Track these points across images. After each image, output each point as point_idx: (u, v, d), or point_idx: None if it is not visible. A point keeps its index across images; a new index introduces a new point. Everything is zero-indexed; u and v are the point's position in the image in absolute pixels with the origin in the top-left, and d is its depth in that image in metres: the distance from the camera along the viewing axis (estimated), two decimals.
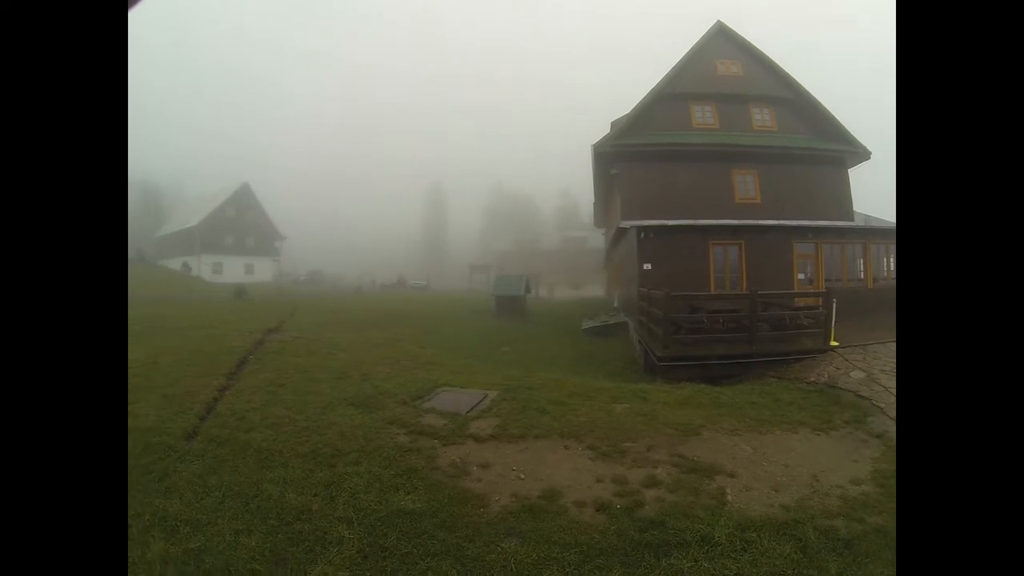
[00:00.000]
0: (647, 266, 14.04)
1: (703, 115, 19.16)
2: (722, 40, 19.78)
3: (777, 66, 19.73)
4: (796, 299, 13.50)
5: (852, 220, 19.44)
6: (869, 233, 17.51)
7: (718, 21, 19.87)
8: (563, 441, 5.87)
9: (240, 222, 55.98)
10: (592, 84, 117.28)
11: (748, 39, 19.86)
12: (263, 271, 54.73)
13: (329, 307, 23.56)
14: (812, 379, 9.07)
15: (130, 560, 3.53)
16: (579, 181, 33.06)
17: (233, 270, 50.86)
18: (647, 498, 4.48)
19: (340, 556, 3.60)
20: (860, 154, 19.66)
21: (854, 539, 3.93)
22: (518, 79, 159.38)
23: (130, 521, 4.04)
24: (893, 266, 17.61)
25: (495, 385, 8.50)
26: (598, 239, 42.96)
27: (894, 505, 4.49)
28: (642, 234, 14.30)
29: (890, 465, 5.42)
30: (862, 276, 16.60)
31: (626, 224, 15.34)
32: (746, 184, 18.52)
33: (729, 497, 4.57)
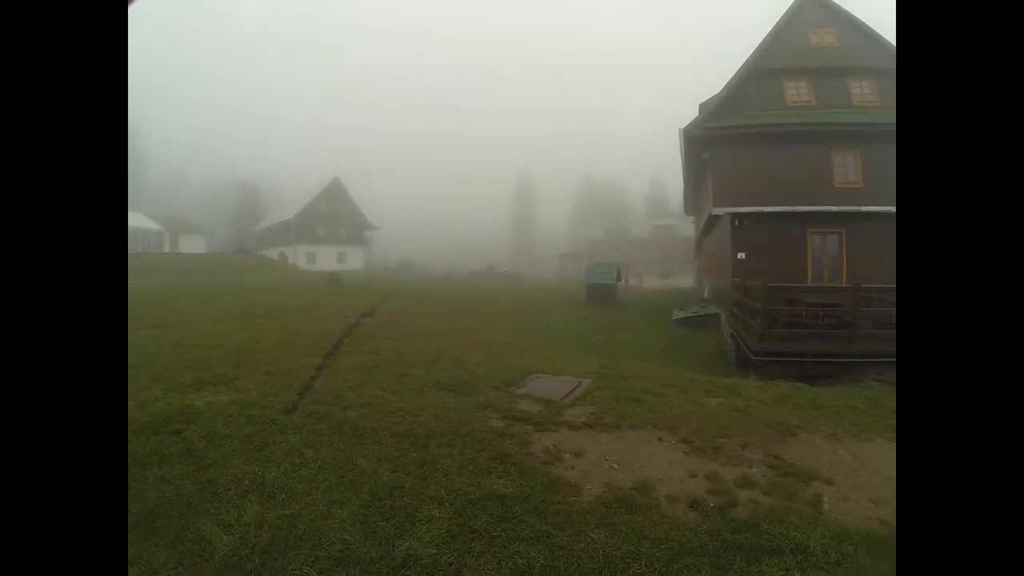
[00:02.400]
0: (741, 255, 13.45)
1: (797, 92, 17.96)
2: (815, 6, 18.43)
3: (876, 33, 18.06)
4: None
5: None
6: None
7: None
8: (657, 432, 5.83)
9: (332, 214, 59.12)
10: (679, 66, 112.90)
11: (843, 4, 18.37)
12: (354, 260, 57.34)
13: (420, 294, 24.25)
14: None
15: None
16: (668, 168, 32.04)
17: (326, 259, 53.71)
18: (740, 498, 4.38)
19: (429, 534, 3.68)
20: None
21: None
22: (602, 71, 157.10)
23: (229, 486, 4.30)
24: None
25: (588, 373, 8.54)
26: (688, 228, 41.74)
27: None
28: (736, 221, 13.69)
29: None
30: None
31: (718, 211, 14.72)
32: (847, 166, 17.19)
33: (826, 505, 4.37)
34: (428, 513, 3.96)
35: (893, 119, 17.23)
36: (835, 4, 18.49)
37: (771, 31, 18.34)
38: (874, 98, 17.97)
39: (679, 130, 17.57)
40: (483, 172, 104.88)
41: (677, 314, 18.06)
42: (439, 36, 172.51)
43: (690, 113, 19.46)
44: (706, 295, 21.74)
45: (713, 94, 18.51)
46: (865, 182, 17.20)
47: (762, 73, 18.01)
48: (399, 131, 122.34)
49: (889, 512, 4.37)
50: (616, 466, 4.98)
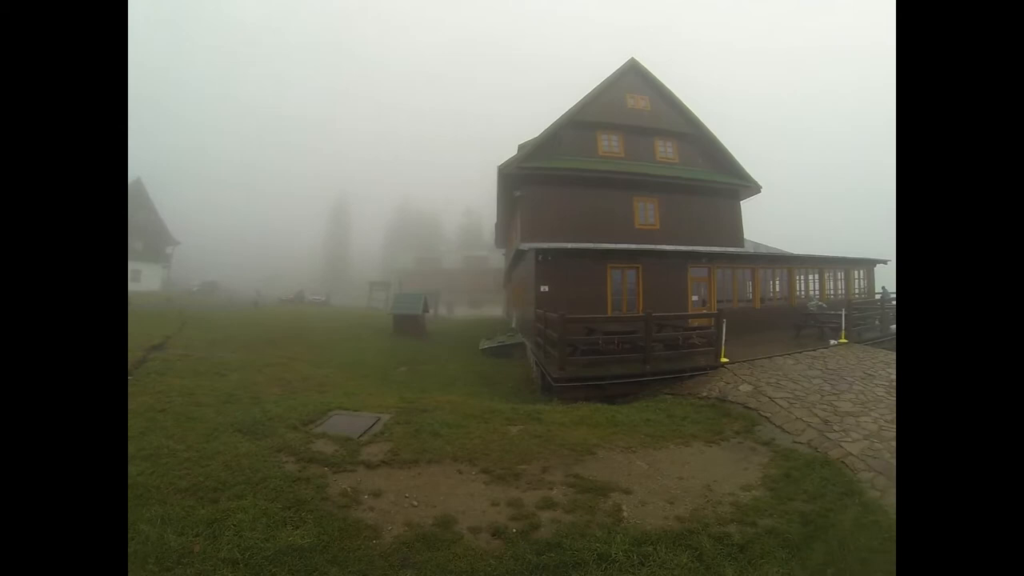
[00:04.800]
0: (544, 288, 14.17)
1: (609, 144, 20.24)
2: (634, 76, 21.23)
3: (682, 104, 21.49)
4: (690, 320, 14.12)
5: (743, 247, 21.17)
6: (757, 259, 19.09)
7: (632, 58, 21.37)
8: (457, 465, 5.75)
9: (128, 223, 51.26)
10: (504, 113, 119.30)
11: (658, 77, 21.47)
12: (151, 279, 49.75)
13: (222, 322, 21.99)
14: (704, 394, 9.54)
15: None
16: (484, 201, 33.43)
17: None
18: (543, 520, 4.45)
19: None
20: (752, 188, 21.83)
21: (747, 543, 4.13)
22: (435, 100, 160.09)
23: None
24: (779, 288, 19.32)
25: (389, 407, 8.25)
26: (499, 259, 43.51)
27: (783, 507, 4.77)
28: (540, 256, 14.45)
29: (778, 470, 5.78)
30: (751, 297, 17.91)
31: (525, 246, 15.56)
32: (646, 211, 19.68)
33: (625, 513, 4.65)
34: None
35: (690, 175, 20.35)
36: (652, 76, 21.49)
37: (595, 88, 20.51)
38: (674, 156, 21.18)
39: (497, 167, 18.38)
40: (301, 190, 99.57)
41: (484, 344, 18.50)
42: (269, 42, 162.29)
43: (510, 150, 20.76)
44: (514, 325, 22.66)
45: (533, 136, 19.85)
46: (661, 225, 19.72)
47: (580, 123, 19.96)
48: (208, 145, 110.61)
49: (683, 508, 4.80)
50: (416, 503, 4.80)
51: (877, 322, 16.55)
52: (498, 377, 14.29)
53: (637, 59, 21.33)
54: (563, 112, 20.01)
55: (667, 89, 21.45)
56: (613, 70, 21.11)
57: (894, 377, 9.82)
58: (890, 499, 4.93)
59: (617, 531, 4.22)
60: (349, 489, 5.00)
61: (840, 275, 21.66)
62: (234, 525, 4.15)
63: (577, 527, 4.29)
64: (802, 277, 20.16)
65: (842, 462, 5.88)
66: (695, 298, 16.35)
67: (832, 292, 20.97)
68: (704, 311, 15.25)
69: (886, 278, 23.09)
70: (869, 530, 4.33)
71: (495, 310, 40.94)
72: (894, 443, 6.27)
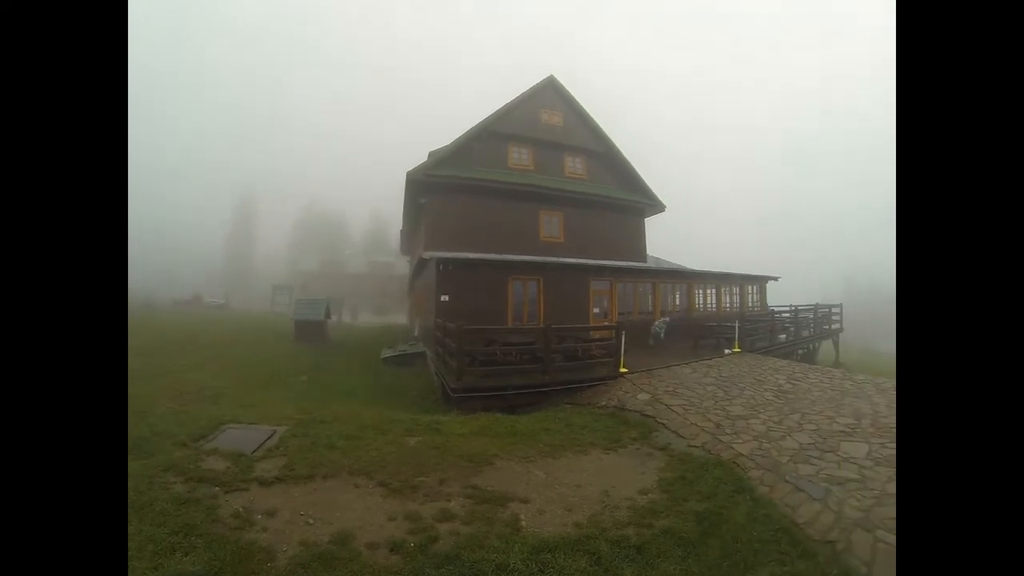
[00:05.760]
0: (445, 298, 14.14)
1: (520, 156, 20.57)
2: (551, 92, 21.72)
3: (595, 123, 22.28)
4: (592, 331, 14.56)
5: (645, 262, 22.23)
6: (658, 273, 20.16)
7: (551, 75, 21.83)
8: (354, 479, 5.62)
9: None
10: (423, 116, 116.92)
11: (575, 95, 22.07)
12: None
13: None
14: (603, 403, 9.88)
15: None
16: (393, 206, 32.49)
17: None
18: (441, 532, 4.46)
19: None
20: (656, 206, 23.03)
21: (644, 544, 4.33)
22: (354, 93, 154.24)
23: None
24: (679, 301, 20.52)
25: (287, 419, 7.93)
26: (405, 265, 42.81)
27: (678, 508, 5.03)
28: (441, 265, 14.41)
29: (673, 473, 6.09)
30: (651, 310, 18.85)
31: (427, 255, 15.47)
32: (551, 224, 20.20)
33: (523, 522, 4.74)
34: None
35: (596, 191, 21.13)
36: (568, 93, 22.04)
37: (510, 101, 20.75)
38: (583, 172, 21.91)
39: (406, 173, 18.20)
40: (202, 181, 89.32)
41: (386, 352, 18.12)
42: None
43: (420, 157, 20.53)
44: (416, 333, 22.46)
45: (447, 143, 19.78)
46: (566, 238, 20.29)
47: (493, 134, 20.11)
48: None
49: (581, 515, 4.96)
50: (312, 520, 4.64)
51: (767, 333, 18.22)
52: (400, 387, 14.06)
53: (556, 76, 21.89)
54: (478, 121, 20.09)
55: (582, 107, 22.15)
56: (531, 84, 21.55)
57: (781, 382, 10.68)
58: (779, 493, 5.38)
59: (515, 540, 4.30)
60: (241, 509, 4.75)
61: (736, 290, 23.33)
62: None
63: (476, 538, 4.33)
64: (701, 291, 21.52)
65: (734, 462, 6.30)
66: (596, 310, 16.92)
67: (728, 305, 22.52)
68: (605, 323, 15.80)
69: (777, 294, 25.69)
70: (761, 523, 4.68)
71: (400, 318, 40.18)
72: (781, 442, 6.84)
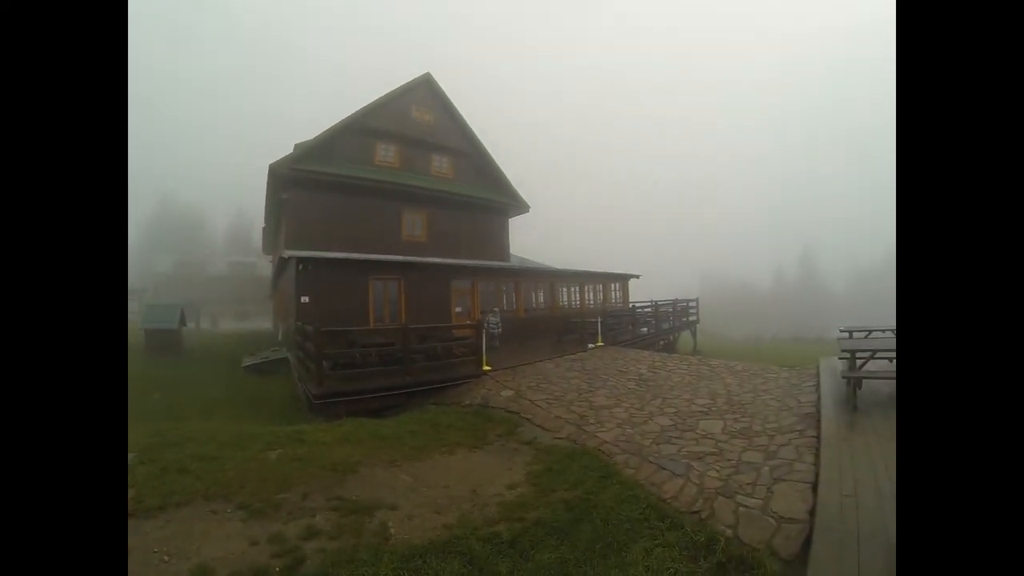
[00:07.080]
0: (305, 299, 13.28)
1: (386, 153, 20.03)
2: (425, 90, 21.40)
3: (466, 123, 22.33)
4: (455, 330, 14.48)
5: (508, 261, 22.60)
6: (521, 272, 20.57)
7: (427, 72, 21.50)
8: (210, 505, 4.98)
9: None
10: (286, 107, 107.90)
11: (449, 96, 21.92)
12: None
13: None
14: (467, 402, 9.87)
15: None
16: (257, 201, 29.42)
17: None
18: (308, 551, 4.11)
19: None
20: (521, 207, 23.55)
21: (517, 537, 4.31)
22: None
23: None
24: (543, 299, 21.11)
25: (134, 446, 6.86)
26: (268, 266, 39.86)
27: (548, 499, 5.07)
28: (301, 265, 13.53)
29: (540, 466, 6.17)
30: (515, 307, 19.21)
31: (287, 254, 14.44)
32: (414, 224, 19.88)
33: (392, 530, 4.53)
34: None
35: (461, 190, 21.17)
36: (442, 93, 21.79)
37: (381, 97, 20.01)
38: (449, 171, 21.86)
39: (269, 165, 16.85)
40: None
41: (247, 360, 16.66)
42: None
43: (285, 149, 18.72)
44: (280, 338, 20.96)
45: (313, 136, 18.59)
46: (429, 238, 20.10)
47: (361, 129, 19.33)
48: None
49: (451, 516, 4.84)
50: (167, 557, 4.04)
51: (629, 327, 19.40)
52: (263, 397, 12.90)
53: (432, 75, 21.60)
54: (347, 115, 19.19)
55: (454, 107, 22.06)
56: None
57: (643, 371, 11.29)
58: (644, 474, 5.65)
59: (385, 550, 4.10)
60: None
61: (599, 287, 24.47)
62: None
63: (344, 553, 4.05)
64: (565, 289, 22.30)
65: (599, 450, 6.55)
66: (459, 309, 16.88)
67: (592, 302, 23.50)
68: (467, 321, 15.78)
69: (642, 290, 27.55)
70: (629, 503, 4.89)
71: (264, 322, 37.10)
72: (644, 426, 7.20)
